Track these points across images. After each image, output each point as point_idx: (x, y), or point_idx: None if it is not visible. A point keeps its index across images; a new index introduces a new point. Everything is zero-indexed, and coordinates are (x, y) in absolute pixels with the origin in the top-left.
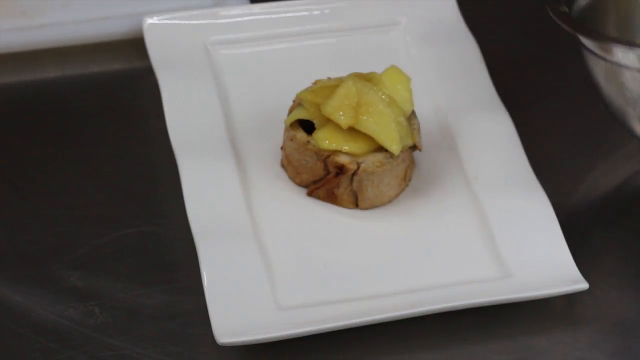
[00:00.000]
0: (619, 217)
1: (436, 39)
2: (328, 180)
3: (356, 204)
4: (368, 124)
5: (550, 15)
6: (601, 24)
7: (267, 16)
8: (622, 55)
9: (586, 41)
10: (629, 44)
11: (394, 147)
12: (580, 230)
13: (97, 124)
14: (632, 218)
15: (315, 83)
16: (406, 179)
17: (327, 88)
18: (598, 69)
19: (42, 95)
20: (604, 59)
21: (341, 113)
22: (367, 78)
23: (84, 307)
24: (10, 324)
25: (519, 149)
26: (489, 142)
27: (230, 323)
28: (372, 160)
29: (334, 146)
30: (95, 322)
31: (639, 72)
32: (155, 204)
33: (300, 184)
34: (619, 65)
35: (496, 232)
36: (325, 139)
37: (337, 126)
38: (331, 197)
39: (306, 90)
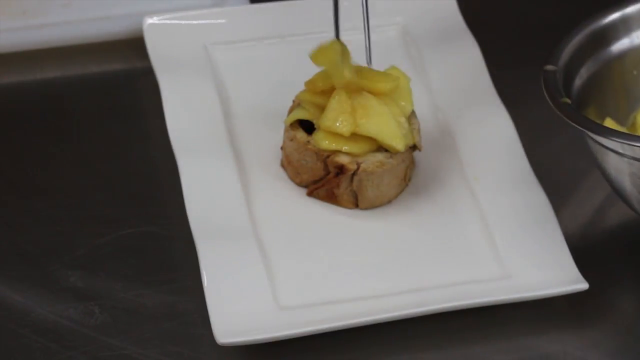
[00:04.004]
0: (619, 217)
1: (436, 39)
2: (328, 180)
3: (356, 204)
4: (369, 127)
5: (554, 110)
6: (601, 98)
7: (267, 16)
8: (628, 148)
9: (593, 135)
10: (634, 139)
11: (399, 144)
12: (580, 230)
13: (97, 124)
14: (632, 218)
15: None
16: (406, 179)
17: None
18: (605, 159)
19: (42, 95)
20: (612, 151)
21: (338, 123)
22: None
23: (84, 307)
24: (10, 324)
25: (519, 149)
26: (489, 142)
27: (230, 323)
28: (372, 160)
29: (333, 146)
30: (95, 322)
31: None
32: (155, 204)
33: (300, 184)
34: (626, 156)
35: (496, 232)
36: (325, 139)
37: None
38: (331, 197)
39: (306, 90)
